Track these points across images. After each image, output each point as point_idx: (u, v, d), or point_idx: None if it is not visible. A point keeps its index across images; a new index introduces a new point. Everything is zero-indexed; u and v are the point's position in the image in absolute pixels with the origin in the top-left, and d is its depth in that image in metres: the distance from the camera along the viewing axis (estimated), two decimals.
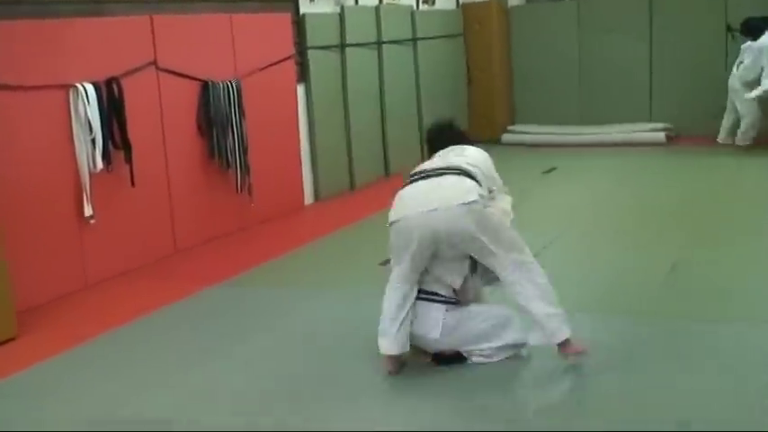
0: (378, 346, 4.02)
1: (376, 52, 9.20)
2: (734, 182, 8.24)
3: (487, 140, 11.10)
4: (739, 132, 9.59)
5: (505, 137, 11.21)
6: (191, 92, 6.77)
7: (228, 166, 7.01)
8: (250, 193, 7.23)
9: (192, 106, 6.79)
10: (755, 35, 9.39)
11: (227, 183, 7.08)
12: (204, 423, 3.70)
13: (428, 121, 10.02)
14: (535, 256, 4.08)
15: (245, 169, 7.14)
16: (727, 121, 9.83)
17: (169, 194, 6.60)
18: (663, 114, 10.88)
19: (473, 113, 11.35)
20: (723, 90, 10.52)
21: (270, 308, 5.25)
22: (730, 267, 5.43)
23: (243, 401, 3.91)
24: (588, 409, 3.63)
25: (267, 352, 4.52)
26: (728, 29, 10.48)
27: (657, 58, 10.97)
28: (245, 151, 7.10)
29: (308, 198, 8.31)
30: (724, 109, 9.86)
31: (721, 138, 9.88)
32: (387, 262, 5.94)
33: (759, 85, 9.26)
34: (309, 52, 8.18)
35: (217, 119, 6.88)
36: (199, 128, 6.84)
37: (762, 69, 9.21)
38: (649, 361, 4.03)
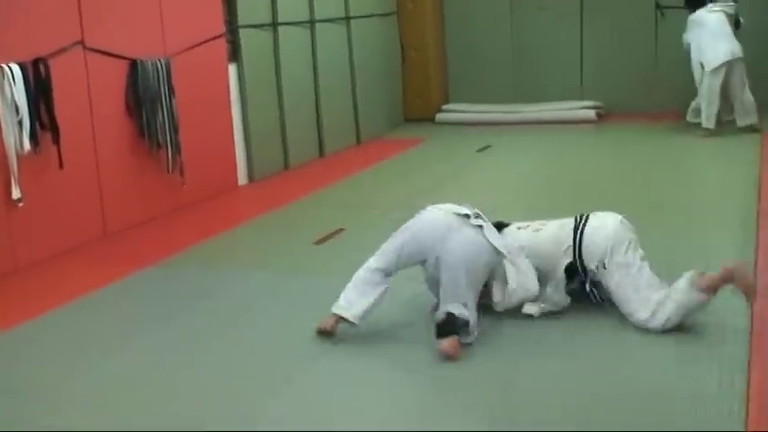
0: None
1: (309, 31, 9.15)
2: (660, 159, 8.38)
3: (422, 119, 11.20)
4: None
5: (440, 116, 11.24)
6: (119, 71, 6.65)
7: (159, 146, 6.91)
8: (182, 173, 7.14)
9: (120, 86, 6.67)
10: (694, 7, 9.30)
11: (158, 163, 6.99)
12: (125, 410, 3.66)
13: (363, 99, 10.10)
14: None
15: (176, 149, 7.05)
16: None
17: (98, 176, 6.48)
18: (594, 92, 11.02)
19: (407, 93, 11.36)
20: (653, 67, 10.75)
21: (202, 289, 5.20)
22: (654, 240, 5.53)
23: (165, 388, 3.87)
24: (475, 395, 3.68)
25: (196, 334, 4.48)
26: (657, 6, 10.65)
27: (588, 36, 11.11)
28: (175, 131, 7.01)
29: (242, 179, 8.24)
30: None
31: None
32: (321, 241, 5.99)
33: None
34: (241, 31, 8.09)
35: (146, 98, 6.77)
36: (128, 107, 6.72)
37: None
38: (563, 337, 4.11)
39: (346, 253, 5.57)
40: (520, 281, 4.20)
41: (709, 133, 9.05)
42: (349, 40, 9.91)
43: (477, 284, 4.14)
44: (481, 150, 9.27)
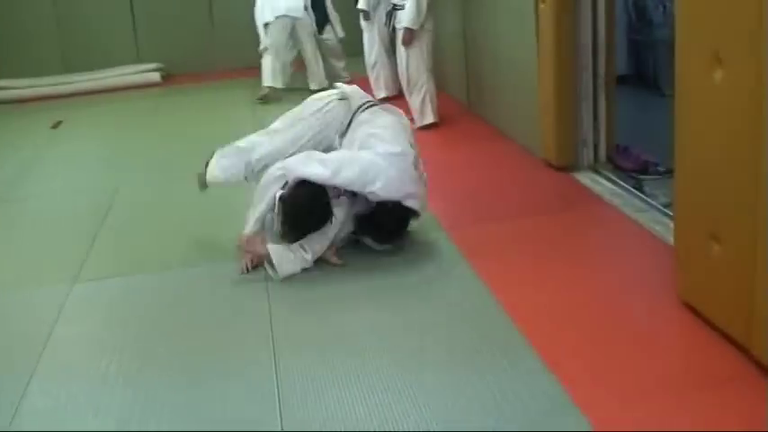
0: None
1: None
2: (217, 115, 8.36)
3: None
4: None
5: None
6: None
7: None
8: None
9: None
10: None
11: None
12: None
13: None
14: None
15: None
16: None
17: None
18: (152, 54, 10.63)
19: None
20: (209, 26, 10.66)
21: None
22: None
23: None
24: None
25: None
26: None
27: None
28: None
29: None
30: None
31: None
32: None
33: None
34: None
35: None
36: None
37: None
38: None
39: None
40: None
41: (273, 92, 8.53)
42: None
43: None
44: (55, 127, 8.48)
